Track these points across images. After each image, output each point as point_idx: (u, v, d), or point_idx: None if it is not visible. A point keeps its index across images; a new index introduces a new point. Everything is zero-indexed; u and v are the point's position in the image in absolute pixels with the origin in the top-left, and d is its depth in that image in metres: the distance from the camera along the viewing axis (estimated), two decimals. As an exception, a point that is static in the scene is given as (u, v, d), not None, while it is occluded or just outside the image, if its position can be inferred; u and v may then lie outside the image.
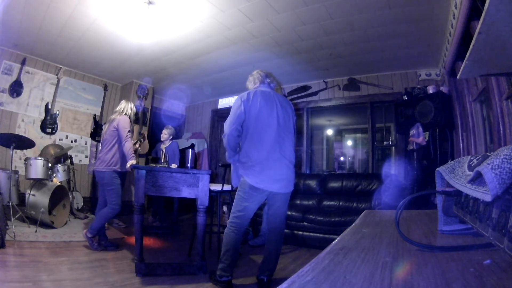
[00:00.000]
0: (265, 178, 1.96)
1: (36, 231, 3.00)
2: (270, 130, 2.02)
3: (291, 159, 2.10)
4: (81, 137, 5.12)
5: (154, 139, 5.50)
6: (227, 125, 2.02)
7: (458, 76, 1.23)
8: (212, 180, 3.82)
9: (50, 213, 3.26)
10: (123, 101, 3.12)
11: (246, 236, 3.47)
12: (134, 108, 3.14)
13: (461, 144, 3.00)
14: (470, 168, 0.54)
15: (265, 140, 2.00)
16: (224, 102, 6.22)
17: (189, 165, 2.55)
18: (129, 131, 2.87)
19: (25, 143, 3.39)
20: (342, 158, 7.70)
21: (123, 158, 2.88)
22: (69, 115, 5.02)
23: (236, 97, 2.12)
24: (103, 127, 3.04)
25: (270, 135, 2.01)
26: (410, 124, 3.58)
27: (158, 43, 3.82)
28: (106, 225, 3.25)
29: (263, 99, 2.05)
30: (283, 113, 2.11)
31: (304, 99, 5.21)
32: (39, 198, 3.20)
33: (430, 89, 3.52)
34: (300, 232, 3.49)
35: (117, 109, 3.06)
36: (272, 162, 1.99)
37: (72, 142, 5.00)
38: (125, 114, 3.00)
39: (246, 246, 3.33)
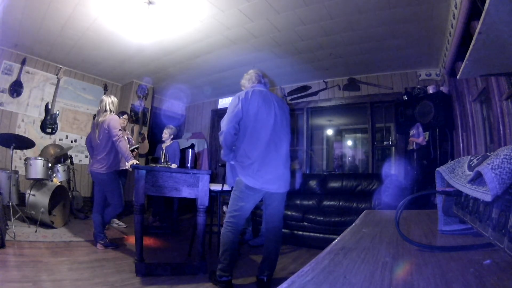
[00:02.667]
0: (261, 178, 1.96)
1: (36, 231, 3.00)
2: (268, 130, 2.02)
3: (287, 159, 2.11)
4: (81, 137, 5.12)
5: (154, 139, 5.51)
6: (224, 123, 2.01)
7: (458, 76, 1.23)
8: (212, 180, 3.82)
9: (50, 213, 3.26)
10: (103, 97, 2.99)
11: (243, 236, 3.47)
12: (115, 99, 3.01)
13: (461, 144, 3.01)
14: (470, 168, 0.54)
15: (263, 140, 2.00)
16: (224, 102, 6.22)
17: (189, 165, 2.55)
18: (119, 130, 2.79)
19: (25, 143, 3.39)
20: (342, 158, 7.69)
21: (121, 157, 2.88)
22: (69, 115, 5.02)
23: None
24: (95, 130, 2.93)
25: (268, 135, 2.01)
26: (410, 124, 3.58)
27: (158, 43, 3.82)
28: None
29: (261, 99, 2.05)
30: (280, 113, 2.11)
31: (304, 99, 5.21)
32: (39, 198, 3.20)
33: (430, 89, 3.52)
34: (300, 232, 3.49)
35: (100, 108, 2.92)
36: (269, 161, 1.99)
37: (72, 142, 5.00)
38: (110, 111, 2.90)
39: (246, 246, 3.33)
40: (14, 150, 3.25)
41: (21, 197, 3.49)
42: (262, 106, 2.03)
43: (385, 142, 4.80)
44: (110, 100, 2.95)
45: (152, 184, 2.28)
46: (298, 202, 4.04)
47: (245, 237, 3.45)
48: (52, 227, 3.25)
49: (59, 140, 4.85)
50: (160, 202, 4.22)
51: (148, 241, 3.23)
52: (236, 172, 2.05)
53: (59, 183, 3.54)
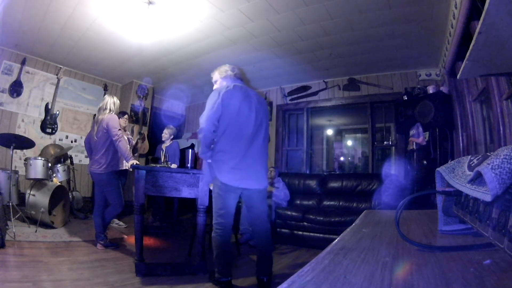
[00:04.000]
0: (238, 174, 1.95)
1: (36, 231, 3.00)
2: (250, 126, 2.01)
3: (265, 155, 2.11)
4: (81, 137, 5.12)
5: (154, 139, 5.50)
6: (204, 119, 1.98)
7: (458, 76, 1.23)
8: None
9: (50, 213, 3.26)
10: (105, 96, 3.02)
11: (243, 236, 3.46)
12: (117, 101, 3.03)
13: (461, 144, 3.00)
14: (470, 168, 0.54)
15: (244, 136, 1.98)
16: (224, 102, 6.20)
17: (189, 165, 2.55)
18: (119, 129, 2.79)
19: (25, 143, 3.39)
20: (342, 158, 7.70)
21: (120, 157, 2.87)
22: (69, 115, 5.02)
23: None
24: (94, 127, 2.94)
25: (250, 131, 2.00)
26: (410, 124, 3.58)
27: (158, 43, 3.82)
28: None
29: (242, 94, 2.03)
30: (260, 109, 2.10)
31: (304, 99, 5.21)
32: (39, 198, 3.20)
33: (430, 89, 3.52)
34: (300, 232, 3.49)
35: (101, 105, 2.94)
36: (247, 158, 1.98)
37: (72, 142, 5.00)
38: (110, 110, 2.90)
39: (246, 246, 3.32)
40: (14, 150, 3.25)
41: (21, 197, 3.49)
42: (244, 102, 2.01)
43: (385, 142, 4.80)
44: (112, 101, 2.96)
45: (152, 184, 2.28)
46: (298, 202, 4.04)
47: (246, 237, 3.45)
48: (52, 227, 3.25)
49: (59, 140, 4.85)
50: (160, 202, 4.22)
51: (148, 241, 3.23)
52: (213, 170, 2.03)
53: (59, 183, 3.54)
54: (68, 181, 4.19)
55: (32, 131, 4.51)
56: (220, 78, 2.22)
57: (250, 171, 1.99)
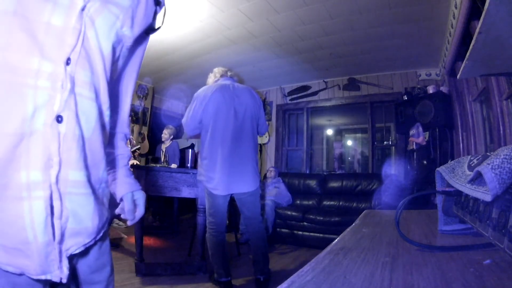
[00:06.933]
0: (215, 184, 1.93)
1: (36, 231, 3.00)
2: (228, 127, 1.98)
3: (252, 155, 2.07)
4: (81, 137, 5.11)
5: (154, 139, 5.50)
6: (185, 125, 2.01)
7: (458, 76, 1.24)
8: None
9: (50, 213, 3.26)
10: None
11: (243, 236, 3.46)
12: None
13: (461, 144, 3.01)
14: (470, 168, 0.54)
15: (223, 141, 1.96)
16: (224, 102, 6.19)
17: (189, 165, 2.56)
18: None
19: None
20: (342, 158, 7.70)
21: None
22: (69, 115, 5.02)
23: None
24: None
25: (228, 134, 1.97)
26: (410, 124, 3.59)
27: (158, 43, 3.82)
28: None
29: (221, 94, 2.01)
30: (240, 107, 2.04)
31: (304, 99, 5.21)
32: (39, 198, 3.20)
33: (430, 89, 3.52)
34: (300, 232, 3.49)
35: None
36: (229, 163, 1.94)
37: (72, 142, 5.00)
38: None
39: (246, 246, 3.32)
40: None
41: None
42: (222, 103, 1.99)
43: (385, 142, 4.80)
44: None
45: (152, 184, 2.28)
46: (298, 202, 4.04)
47: (246, 237, 3.45)
48: (52, 227, 3.25)
49: (59, 140, 4.84)
50: (160, 202, 4.22)
51: (148, 241, 3.23)
52: None
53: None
54: (68, 181, 4.19)
55: (32, 131, 4.50)
56: (209, 82, 2.23)
57: (235, 175, 1.95)
